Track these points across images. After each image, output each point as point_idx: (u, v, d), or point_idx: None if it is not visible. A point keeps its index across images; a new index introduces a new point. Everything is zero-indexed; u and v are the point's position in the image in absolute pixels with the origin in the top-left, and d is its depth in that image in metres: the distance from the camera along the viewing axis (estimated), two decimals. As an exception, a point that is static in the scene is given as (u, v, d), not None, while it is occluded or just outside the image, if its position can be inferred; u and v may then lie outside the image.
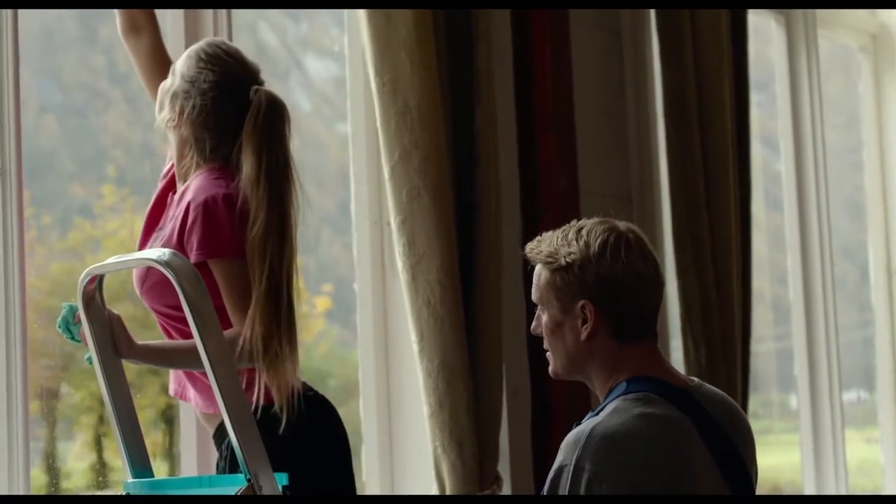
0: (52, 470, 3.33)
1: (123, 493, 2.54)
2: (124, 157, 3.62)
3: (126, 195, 3.60)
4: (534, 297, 2.55)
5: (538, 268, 2.53)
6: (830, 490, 5.46)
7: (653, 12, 4.57)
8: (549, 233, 2.55)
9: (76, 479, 3.49)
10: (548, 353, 2.56)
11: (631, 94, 4.54)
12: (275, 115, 2.82)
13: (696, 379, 2.59)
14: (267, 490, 2.40)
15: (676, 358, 4.54)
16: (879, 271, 6.16)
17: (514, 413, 3.84)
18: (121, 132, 3.58)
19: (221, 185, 2.76)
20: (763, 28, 5.61)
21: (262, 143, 2.78)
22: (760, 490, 4.73)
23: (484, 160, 3.72)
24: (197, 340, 2.40)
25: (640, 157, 4.54)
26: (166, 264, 2.43)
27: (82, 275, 2.55)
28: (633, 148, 4.52)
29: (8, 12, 2.95)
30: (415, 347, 3.56)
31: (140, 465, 2.58)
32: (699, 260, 4.48)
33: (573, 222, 2.54)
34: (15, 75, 2.95)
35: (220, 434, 2.80)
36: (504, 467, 3.75)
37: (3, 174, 2.94)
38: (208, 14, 3.44)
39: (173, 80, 2.87)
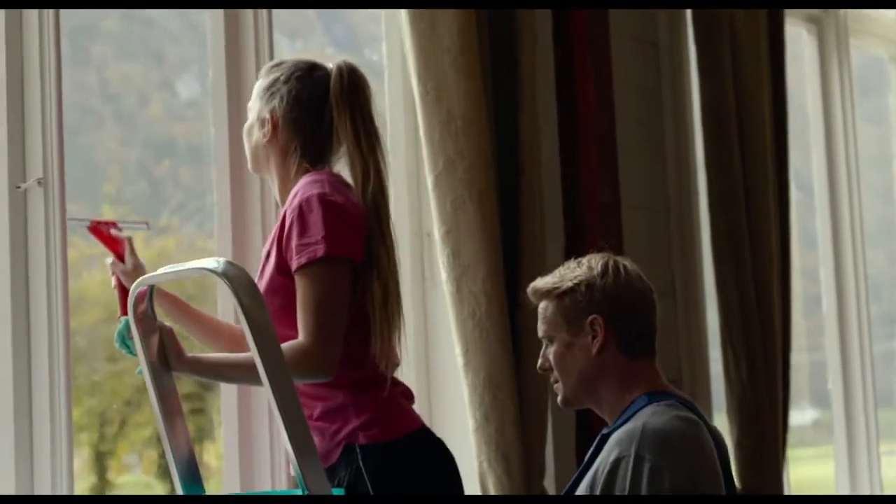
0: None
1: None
2: (120, 176, 3.54)
3: (125, 213, 3.51)
4: (540, 332, 2.66)
5: (543, 304, 2.66)
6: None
7: (690, 24, 4.51)
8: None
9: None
10: (556, 385, 2.66)
11: (669, 106, 4.48)
12: (357, 77, 2.80)
13: None
14: (322, 505, 2.33)
15: (716, 371, 4.47)
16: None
17: (559, 429, 3.77)
18: (113, 151, 3.50)
19: (316, 186, 2.71)
20: (794, 37, 5.55)
21: (352, 105, 2.76)
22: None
23: (528, 169, 3.65)
24: (254, 354, 2.31)
25: (678, 169, 4.47)
26: (223, 274, 2.35)
27: (133, 285, 2.48)
28: (672, 159, 4.46)
29: (51, 37, 2.86)
30: (459, 360, 3.49)
31: (190, 479, 2.51)
32: (739, 272, 4.41)
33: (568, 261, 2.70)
34: (58, 85, 2.86)
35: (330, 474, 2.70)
36: (549, 483, 3.68)
37: (45, 184, 2.86)
38: (248, 14, 3.38)
39: (251, 115, 2.84)
